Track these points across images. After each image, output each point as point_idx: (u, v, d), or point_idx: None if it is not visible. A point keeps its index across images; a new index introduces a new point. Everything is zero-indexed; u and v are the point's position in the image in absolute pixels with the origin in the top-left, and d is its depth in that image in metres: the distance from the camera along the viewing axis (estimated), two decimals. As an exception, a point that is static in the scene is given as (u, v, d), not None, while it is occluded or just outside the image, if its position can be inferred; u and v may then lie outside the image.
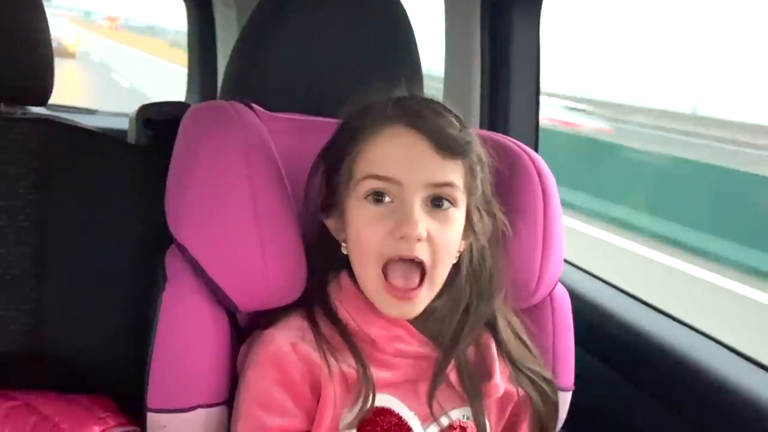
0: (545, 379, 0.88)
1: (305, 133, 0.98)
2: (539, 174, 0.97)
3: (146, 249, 0.96)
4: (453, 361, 0.83)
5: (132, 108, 1.92)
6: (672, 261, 5.15)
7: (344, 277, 0.84)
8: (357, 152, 0.79)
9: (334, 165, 0.82)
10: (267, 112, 0.97)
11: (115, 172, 1.08)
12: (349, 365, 0.79)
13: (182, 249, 0.84)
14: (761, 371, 1.02)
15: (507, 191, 0.92)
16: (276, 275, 0.83)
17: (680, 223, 5.47)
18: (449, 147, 0.78)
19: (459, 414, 0.83)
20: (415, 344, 0.82)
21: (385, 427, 0.79)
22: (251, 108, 0.95)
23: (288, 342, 0.79)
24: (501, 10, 1.44)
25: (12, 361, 1.02)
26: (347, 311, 0.82)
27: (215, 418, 0.85)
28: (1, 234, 1.01)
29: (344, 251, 0.82)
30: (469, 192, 0.81)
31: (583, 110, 9.59)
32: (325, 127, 0.97)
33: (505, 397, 0.86)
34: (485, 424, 0.83)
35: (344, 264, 0.84)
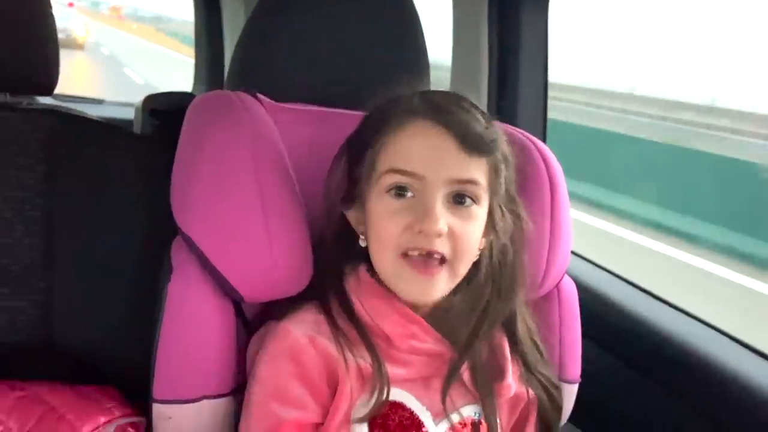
0: (554, 385, 0.88)
1: (311, 124, 0.97)
2: (547, 165, 0.96)
3: (152, 240, 0.96)
4: (467, 361, 0.82)
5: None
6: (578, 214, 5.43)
7: (362, 271, 0.83)
8: (381, 145, 0.79)
9: (357, 157, 0.82)
10: (273, 102, 0.97)
11: (121, 163, 1.08)
12: (364, 360, 0.78)
13: (188, 240, 0.84)
14: (763, 360, 1.02)
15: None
16: (282, 266, 0.83)
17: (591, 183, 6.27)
18: (474, 144, 0.77)
19: (470, 411, 0.83)
20: (430, 341, 0.82)
21: (397, 421, 0.79)
22: (257, 98, 0.95)
23: (305, 335, 0.78)
24: (509, 1, 1.43)
25: (20, 351, 1.03)
26: (363, 306, 0.81)
27: (221, 409, 0.85)
28: (8, 225, 1.01)
29: (362, 243, 0.82)
30: (492, 190, 0.81)
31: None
32: (332, 117, 0.97)
33: (516, 397, 0.86)
34: (496, 423, 0.83)
35: (361, 258, 0.83)
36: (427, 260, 0.77)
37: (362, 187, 0.81)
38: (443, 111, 0.78)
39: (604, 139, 7.53)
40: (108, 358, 1.05)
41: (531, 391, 0.86)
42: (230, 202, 0.82)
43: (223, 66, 2.63)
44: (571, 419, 1.00)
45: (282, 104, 0.97)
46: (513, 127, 1.01)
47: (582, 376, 0.99)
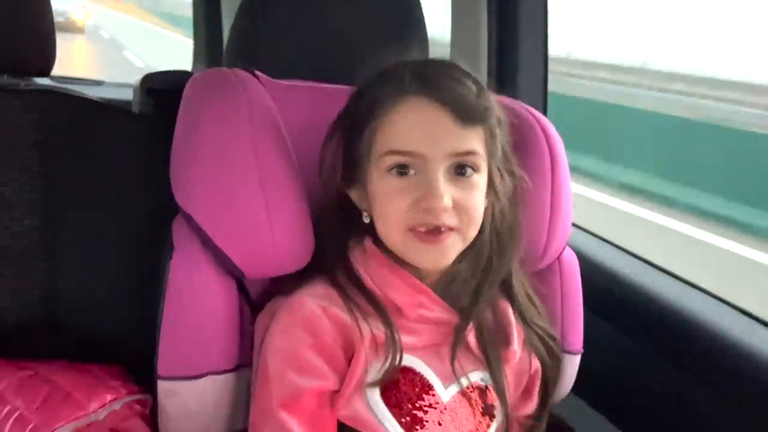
0: (551, 336, 0.90)
1: (309, 100, 0.97)
2: (547, 137, 0.96)
3: (153, 218, 0.96)
4: (472, 325, 0.84)
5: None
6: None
7: (368, 243, 0.84)
8: (376, 125, 0.79)
9: (352, 137, 0.82)
10: (270, 79, 0.96)
11: (119, 143, 1.08)
12: (377, 328, 0.80)
13: (188, 217, 0.84)
14: (763, 328, 1.02)
15: (515, 154, 0.91)
16: (282, 242, 0.83)
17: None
18: (469, 115, 0.77)
19: (478, 376, 0.84)
20: (437, 310, 0.83)
21: (408, 385, 0.80)
22: (254, 75, 0.94)
23: (318, 306, 0.79)
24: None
25: (23, 332, 1.03)
26: (371, 277, 0.82)
27: (226, 385, 0.86)
28: (8, 206, 1.02)
29: (365, 220, 0.83)
30: (490, 155, 0.81)
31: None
32: (330, 93, 0.96)
33: (521, 367, 0.88)
34: (504, 385, 0.84)
35: (365, 229, 0.84)
36: (435, 231, 0.77)
37: (362, 167, 0.81)
38: (435, 86, 0.77)
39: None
40: (112, 336, 1.06)
41: (535, 362, 0.88)
42: (229, 178, 0.82)
43: (221, 44, 2.61)
44: (574, 390, 1.01)
45: (279, 80, 0.97)
46: (512, 99, 1.00)
47: (585, 347, 0.99)
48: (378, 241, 0.83)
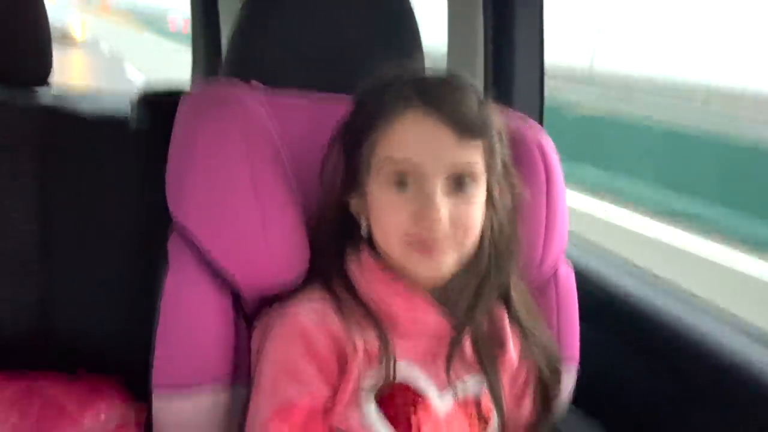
0: (551, 346, 0.90)
1: (307, 110, 0.97)
2: (542, 151, 0.96)
3: (148, 229, 0.96)
4: (469, 332, 0.84)
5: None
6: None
7: (364, 253, 0.84)
8: (376, 137, 0.79)
9: (352, 147, 0.82)
10: (268, 89, 0.96)
11: (115, 156, 1.08)
12: (371, 339, 0.80)
13: (183, 230, 0.84)
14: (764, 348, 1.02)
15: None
16: (277, 253, 0.83)
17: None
18: (469, 129, 0.78)
19: (474, 384, 0.84)
20: (434, 320, 0.83)
21: (403, 395, 0.80)
22: (251, 86, 0.94)
23: (312, 316, 0.80)
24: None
25: (19, 340, 1.03)
26: (368, 287, 0.82)
27: (221, 398, 0.85)
28: (5, 216, 1.01)
29: (363, 233, 0.83)
30: (489, 169, 0.81)
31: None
32: (327, 103, 0.96)
33: (516, 374, 0.88)
34: (501, 393, 0.85)
35: (361, 239, 0.84)
36: (431, 243, 0.77)
37: (362, 177, 0.81)
38: (436, 99, 0.77)
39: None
40: (107, 346, 1.06)
41: (526, 370, 0.88)
42: (224, 191, 0.82)
43: (220, 51, 2.60)
44: (572, 401, 1.00)
45: (277, 90, 0.97)
46: (508, 110, 1.00)
47: (582, 358, 0.99)
48: (375, 253, 0.83)
